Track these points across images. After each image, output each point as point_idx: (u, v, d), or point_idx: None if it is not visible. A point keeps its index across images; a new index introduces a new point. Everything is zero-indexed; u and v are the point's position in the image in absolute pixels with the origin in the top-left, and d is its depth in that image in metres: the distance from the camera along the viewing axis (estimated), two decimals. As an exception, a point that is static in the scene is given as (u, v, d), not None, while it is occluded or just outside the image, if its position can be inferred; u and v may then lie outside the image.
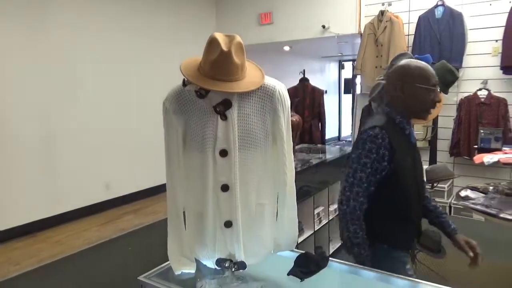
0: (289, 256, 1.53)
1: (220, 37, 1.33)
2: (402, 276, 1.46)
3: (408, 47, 4.90)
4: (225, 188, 1.38)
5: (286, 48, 7.15)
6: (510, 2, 4.23)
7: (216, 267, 1.43)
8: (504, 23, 4.24)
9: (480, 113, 4.35)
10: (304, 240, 3.03)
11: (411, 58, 2.97)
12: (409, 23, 4.92)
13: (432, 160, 4.64)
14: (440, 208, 2.05)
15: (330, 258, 1.51)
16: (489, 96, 4.35)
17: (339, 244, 3.61)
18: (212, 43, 1.33)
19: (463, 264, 3.15)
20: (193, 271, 1.48)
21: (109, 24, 4.97)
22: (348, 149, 4.32)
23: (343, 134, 10.34)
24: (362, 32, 5.17)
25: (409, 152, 1.72)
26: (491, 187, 2.79)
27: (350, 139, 6.20)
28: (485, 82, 4.43)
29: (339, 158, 3.79)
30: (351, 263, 1.56)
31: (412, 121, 1.77)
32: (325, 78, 9.98)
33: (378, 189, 1.62)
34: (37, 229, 4.21)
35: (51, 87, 4.40)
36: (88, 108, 4.73)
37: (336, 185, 3.56)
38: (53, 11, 4.40)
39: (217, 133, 1.36)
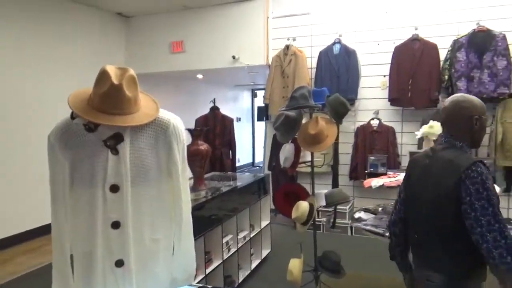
0: (187, 291, 1.51)
1: (111, 69, 1.31)
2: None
3: (311, 79, 5.28)
4: (116, 225, 1.33)
5: (199, 76, 7.23)
6: (394, 43, 4.83)
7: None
8: (389, 61, 4.80)
9: (373, 140, 4.82)
10: (213, 270, 3.00)
11: (309, 91, 3.22)
12: (311, 57, 5.32)
13: (335, 184, 4.98)
14: None
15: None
16: (380, 124, 4.86)
17: (249, 271, 3.65)
18: (102, 75, 1.30)
19: (364, 282, 3.39)
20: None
21: (8, 53, 4.60)
22: (260, 174, 4.46)
23: (256, 160, 10.62)
24: (270, 63, 5.46)
25: None
26: (380, 208, 3.08)
27: (262, 165, 6.39)
28: (376, 112, 4.95)
29: (249, 185, 3.88)
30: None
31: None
32: (239, 106, 10.25)
33: None
34: None
35: None
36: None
37: (245, 212, 3.62)
38: None
39: (108, 168, 1.32)
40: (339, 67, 5.00)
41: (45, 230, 4.71)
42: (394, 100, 4.78)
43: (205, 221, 2.91)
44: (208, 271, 2.94)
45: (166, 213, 1.46)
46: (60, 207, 1.35)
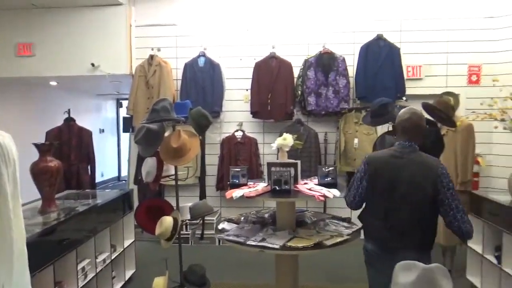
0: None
1: None
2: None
3: (176, 90, 5.25)
4: None
5: (53, 83, 6.52)
6: (254, 59, 5.13)
7: None
8: (251, 76, 5.09)
9: (237, 151, 5.02)
10: (67, 300, 2.70)
11: (171, 104, 3.19)
12: (177, 68, 5.30)
13: (202, 195, 5.03)
14: None
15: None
16: (244, 136, 5.10)
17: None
18: None
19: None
20: None
21: None
22: (124, 189, 4.20)
23: (123, 174, 10.03)
24: (133, 73, 5.24)
25: None
26: (242, 217, 3.20)
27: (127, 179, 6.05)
28: (240, 124, 5.18)
29: (111, 202, 3.62)
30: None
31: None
32: (102, 116, 9.57)
33: None
34: None
35: None
36: None
37: (106, 232, 3.36)
38: None
39: None
40: (204, 79, 5.09)
41: None
42: (255, 113, 5.07)
43: (55, 248, 2.61)
44: (59, 303, 2.63)
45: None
46: None
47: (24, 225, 1.37)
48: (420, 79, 5.07)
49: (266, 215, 3.25)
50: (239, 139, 5.08)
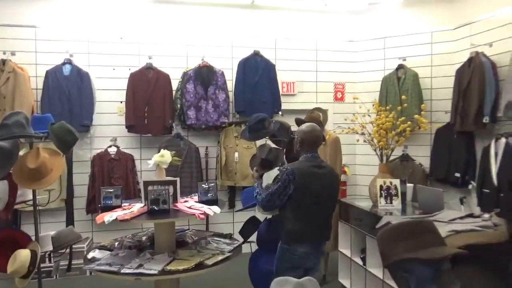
0: None
1: None
2: None
3: (36, 101, 4.60)
4: None
5: None
6: (129, 69, 4.81)
7: None
8: (126, 87, 4.74)
9: (111, 168, 4.60)
10: None
11: (26, 118, 2.75)
12: (36, 76, 4.65)
13: (69, 221, 4.47)
14: None
15: None
16: (118, 152, 4.69)
17: None
18: None
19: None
20: None
21: None
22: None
23: None
24: (-21, 80, 4.41)
25: None
26: (117, 243, 2.90)
27: None
28: (114, 139, 4.76)
29: None
30: None
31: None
32: None
33: None
34: None
35: None
36: None
37: None
38: None
39: None
40: (70, 89, 4.56)
41: None
42: (131, 126, 4.73)
43: None
44: None
45: None
46: None
47: None
48: (294, 94, 5.39)
49: (144, 238, 3.01)
50: (113, 156, 4.65)
